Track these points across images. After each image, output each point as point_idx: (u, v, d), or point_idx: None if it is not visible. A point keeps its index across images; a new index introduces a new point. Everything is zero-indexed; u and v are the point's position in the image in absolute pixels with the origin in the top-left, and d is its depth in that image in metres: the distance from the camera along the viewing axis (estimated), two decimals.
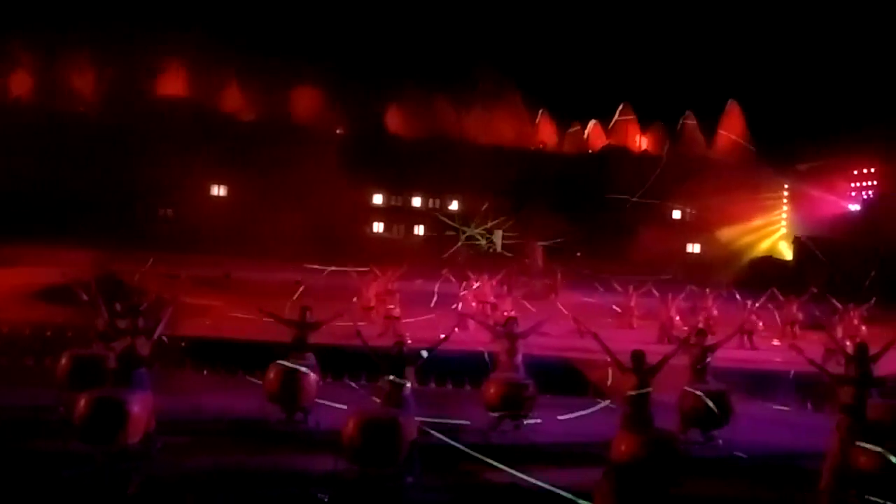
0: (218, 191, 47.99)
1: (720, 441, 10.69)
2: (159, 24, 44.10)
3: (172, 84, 51.03)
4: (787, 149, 48.40)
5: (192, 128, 43.73)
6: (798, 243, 44.33)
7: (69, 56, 48.20)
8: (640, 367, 9.28)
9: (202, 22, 45.26)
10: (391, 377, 9.19)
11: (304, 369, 10.64)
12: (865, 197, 46.24)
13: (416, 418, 9.11)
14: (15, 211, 33.99)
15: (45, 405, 10.31)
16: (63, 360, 10.80)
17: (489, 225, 47.72)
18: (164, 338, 10.28)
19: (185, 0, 46.50)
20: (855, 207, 46.45)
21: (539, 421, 11.10)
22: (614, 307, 22.79)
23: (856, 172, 46.91)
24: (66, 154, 39.14)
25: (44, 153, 38.07)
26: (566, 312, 20.03)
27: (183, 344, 14.40)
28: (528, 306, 20.17)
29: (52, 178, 35.77)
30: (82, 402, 8.39)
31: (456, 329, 12.25)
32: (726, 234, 48.61)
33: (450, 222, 48.17)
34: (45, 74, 48.16)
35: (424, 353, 9.60)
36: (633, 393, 9.09)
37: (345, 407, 9.97)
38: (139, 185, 41.27)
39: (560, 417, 11.45)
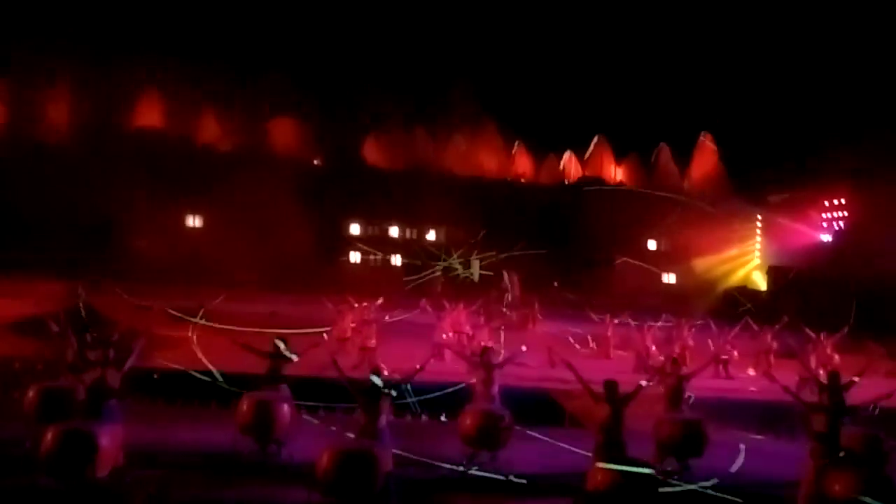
0: (193, 221, 47.69)
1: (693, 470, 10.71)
2: (135, 54, 44.12)
3: (148, 115, 50.95)
4: (759, 180, 49.21)
5: (168, 158, 43.64)
6: (771, 273, 44.83)
7: (44, 86, 47.98)
8: (614, 396, 9.31)
9: (178, 52, 45.34)
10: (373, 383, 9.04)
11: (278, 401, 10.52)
12: (837, 228, 46.92)
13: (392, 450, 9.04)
14: None
15: (12, 438, 10.10)
16: (31, 393, 10.59)
17: (471, 255, 47.80)
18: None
19: (161, 31, 46.54)
20: (826, 238, 47.10)
21: (515, 452, 11.05)
22: (589, 338, 22.86)
23: (827, 203, 47.64)
24: (41, 184, 38.68)
25: (17, 183, 37.64)
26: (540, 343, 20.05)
27: (155, 376, 14.22)
28: (505, 336, 20.16)
29: (26, 209, 35.33)
30: (49, 435, 8.23)
31: (431, 360, 12.19)
32: (701, 264, 49.10)
33: (432, 250, 48.15)
34: (20, 105, 47.85)
35: (376, 380, 9.37)
36: (605, 422, 9.11)
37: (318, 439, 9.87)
38: (114, 215, 40.90)
39: None
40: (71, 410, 9.55)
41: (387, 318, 21.00)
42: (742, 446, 12.19)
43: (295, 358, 11.46)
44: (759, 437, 13.43)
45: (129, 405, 10.05)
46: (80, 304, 19.01)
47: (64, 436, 8.22)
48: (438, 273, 46.10)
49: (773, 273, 44.46)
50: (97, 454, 8.20)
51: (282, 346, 11.40)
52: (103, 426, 8.51)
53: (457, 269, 47.11)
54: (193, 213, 46.97)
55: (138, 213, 41.96)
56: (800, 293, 35.08)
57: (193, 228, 47.15)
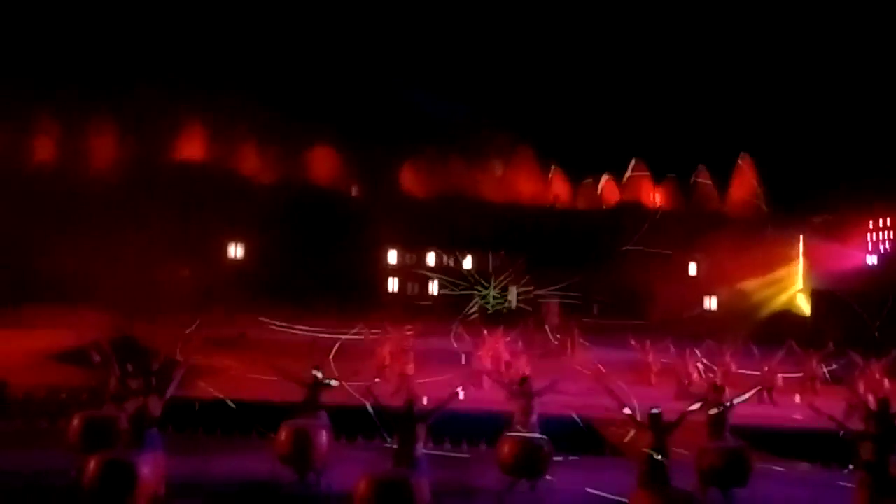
0: (235, 251, 48.40)
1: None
2: (177, 89, 45.18)
3: (190, 147, 52.06)
4: (801, 201, 48.37)
5: (210, 190, 44.51)
6: (815, 297, 43.87)
7: (89, 121, 49.41)
8: (657, 424, 9.16)
9: (219, 87, 46.37)
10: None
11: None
12: (883, 249, 45.87)
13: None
14: (34, 274, 34.36)
15: (58, 468, 10.26)
16: (75, 422, 10.77)
17: (509, 283, 47.65)
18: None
19: (202, 66, 47.69)
20: (872, 259, 46.04)
21: (554, 480, 10.90)
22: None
23: (871, 224, 46.64)
24: (86, 217, 39.69)
25: (64, 216, 38.66)
26: (582, 369, 19.82)
27: (196, 406, 14.36)
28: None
29: (72, 242, 36.19)
30: (92, 465, 8.35)
31: (462, 389, 12.10)
32: (742, 288, 48.24)
33: (468, 278, 48.14)
34: (67, 140, 49.27)
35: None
36: (649, 451, 8.95)
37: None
38: (157, 246, 41.71)
39: None
40: (114, 439, 9.67)
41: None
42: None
43: (335, 383, 11.51)
44: (806, 466, 13.06)
45: (170, 435, 10.16)
46: (123, 335, 19.33)
47: (105, 466, 8.32)
48: (478, 301, 46.03)
49: (817, 296, 43.51)
50: (137, 484, 8.28)
51: (319, 374, 11.45)
52: (144, 455, 8.60)
53: (494, 299, 46.92)
54: (235, 242, 47.69)
55: (181, 243, 42.78)
56: (845, 317, 34.25)
57: (235, 259, 47.83)
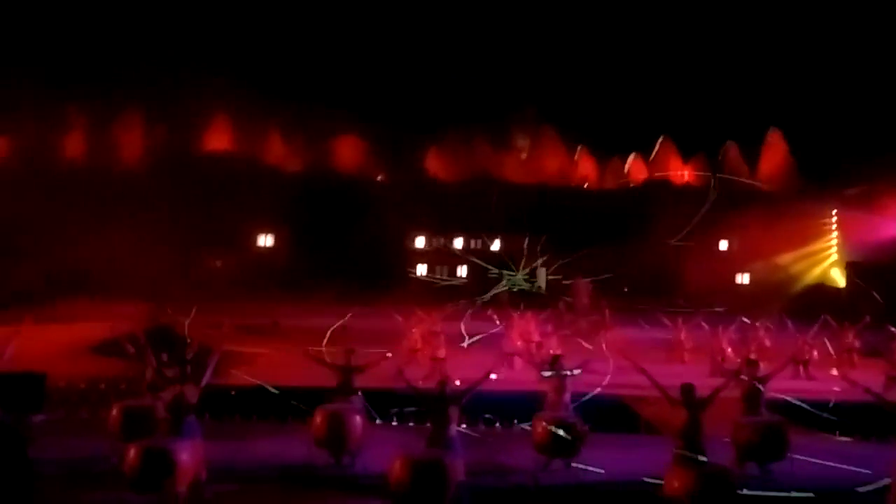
0: (265, 240, 48.83)
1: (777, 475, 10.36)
2: (204, 81, 45.52)
3: (218, 139, 52.52)
4: (833, 173, 47.44)
5: (239, 180, 44.91)
6: (850, 269, 43.17)
7: (118, 115, 50.05)
8: (691, 400, 9.10)
9: (245, 78, 46.65)
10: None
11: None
12: None
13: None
14: (69, 269, 34.96)
15: (99, 456, 10.48)
16: (114, 412, 10.98)
17: (537, 265, 47.48)
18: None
19: (228, 58, 47.97)
20: None
21: (589, 460, 10.89)
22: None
23: None
24: (118, 210, 40.29)
25: (96, 210, 39.26)
26: (612, 350, 19.73)
27: (232, 392, 14.55)
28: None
29: (105, 235, 36.75)
30: (132, 453, 8.52)
31: (495, 371, 12.11)
32: (775, 263, 47.61)
33: (497, 261, 48.07)
34: (97, 134, 49.96)
35: None
36: (683, 427, 8.90)
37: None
38: (188, 237, 42.23)
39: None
40: (152, 427, 9.84)
41: (464, 343, 20.88)
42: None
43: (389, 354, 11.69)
44: (844, 439, 12.91)
45: (207, 422, 10.31)
46: (157, 325, 19.62)
47: (145, 453, 8.48)
48: (506, 285, 45.90)
49: (852, 269, 42.80)
50: (176, 469, 8.43)
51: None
52: (182, 442, 8.74)
53: (523, 282, 46.73)
54: (264, 232, 48.09)
55: (212, 234, 43.27)
56: (882, 289, 33.63)
57: (265, 248, 48.26)
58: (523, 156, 56.75)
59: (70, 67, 45.52)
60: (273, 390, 13.02)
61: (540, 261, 46.82)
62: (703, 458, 8.59)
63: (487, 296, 37.91)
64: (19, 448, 3.93)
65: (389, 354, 11.72)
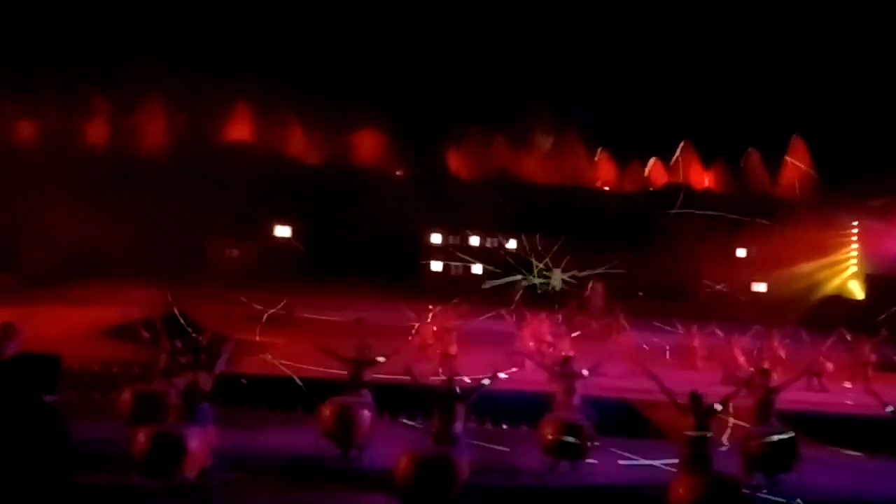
0: (282, 231, 49.07)
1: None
2: (225, 71, 45.79)
3: (239, 129, 52.80)
4: (856, 184, 46.92)
5: (259, 171, 45.14)
6: (869, 281, 42.73)
7: (140, 104, 50.45)
8: (699, 407, 9.06)
9: (267, 69, 46.86)
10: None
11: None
12: None
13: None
14: (88, 251, 35.25)
15: (108, 439, 10.55)
16: (125, 395, 11.07)
17: (553, 265, 47.40)
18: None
19: (250, 49, 48.20)
20: None
21: (596, 462, 10.88)
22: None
23: None
24: (137, 197, 40.65)
25: (115, 196, 39.60)
26: (624, 353, 19.66)
27: (244, 381, 14.64)
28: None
29: (123, 221, 37.05)
30: (141, 437, 8.58)
31: (505, 372, 12.12)
32: (793, 272, 47.19)
33: (512, 260, 48.05)
34: (118, 122, 50.39)
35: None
36: (691, 434, 8.86)
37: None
38: (206, 225, 42.52)
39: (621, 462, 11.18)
40: (163, 413, 9.91)
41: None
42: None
43: (382, 359, 11.66)
44: (855, 453, 12.79)
45: (218, 410, 10.36)
46: (175, 311, 19.74)
47: (155, 437, 8.55)
48: (520, 281, 45.85)
49: (871, 281, 42.36)
50: (186, 456, 8.48)
51: (381, 359, 11.65)
52: (192, 429, 8.80)
53: (538, 281, 46.66)
54: (282, 223, 48.32)
55: (230, 223, 43.53)
56: None
57: (282, 238, 48.49)
58: (542, 156, 56.55)
59: (94, 55, 45.95)
60: (297, 380, 13.12)
61: (554, 261, 46.69)
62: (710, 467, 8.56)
63: (493, 284, 37.82)
64: (62, 431, 3.99)
65: (382, 359, 11.65)
